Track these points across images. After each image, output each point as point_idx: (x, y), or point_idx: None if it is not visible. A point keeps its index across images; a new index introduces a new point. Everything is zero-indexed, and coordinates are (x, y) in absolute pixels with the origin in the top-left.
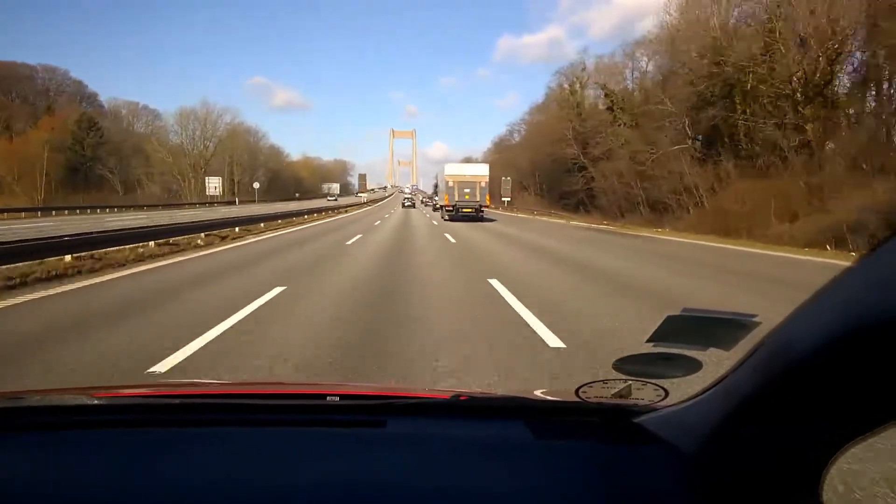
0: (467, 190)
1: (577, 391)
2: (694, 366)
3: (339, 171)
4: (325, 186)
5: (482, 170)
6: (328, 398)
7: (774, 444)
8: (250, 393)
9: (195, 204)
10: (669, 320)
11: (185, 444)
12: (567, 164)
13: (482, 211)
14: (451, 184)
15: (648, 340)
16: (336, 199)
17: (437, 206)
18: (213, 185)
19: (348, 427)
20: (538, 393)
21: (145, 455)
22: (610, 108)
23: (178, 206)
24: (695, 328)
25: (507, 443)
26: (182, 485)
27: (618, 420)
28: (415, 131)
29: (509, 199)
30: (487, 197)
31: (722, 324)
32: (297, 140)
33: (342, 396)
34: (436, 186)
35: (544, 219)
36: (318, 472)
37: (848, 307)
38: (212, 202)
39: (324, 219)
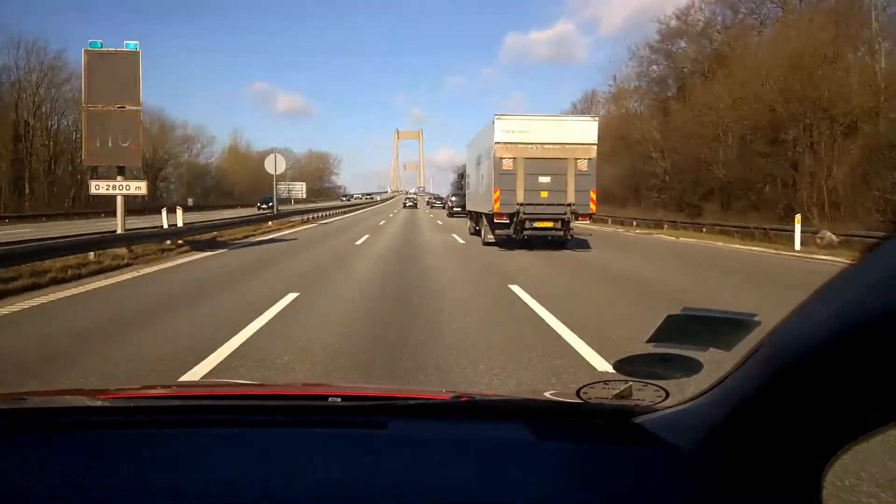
0: (545, 179)
1: (577, 392)
2: (694, 366)
3: (317, 169)
4: (286, 188)
5: (583, 132)
6: (329, 399)
7: (775, 444)
8: (251, 394)
9: None
10: (670, 320)
11: (186, 445)
12: None
13: (571, 227)
14: (506, 164)
15: (649, 340)
16: None
17: (454, 208)
18: None
19: (349, 428)
20: (539, 394)
21: (146, 457)
22: None
23: None
24: (695, 328)
25: (507, 444)
26: (183, 486)
27: (618, 421)
28: (421, 131)
29: None
30: (593, 195)
31: (722, 323)
32: (300, 146)
33: (343, 397)
34: (461, 177)
35: None
36: (319, 473)
37: (848, 307)
38: None
39: None
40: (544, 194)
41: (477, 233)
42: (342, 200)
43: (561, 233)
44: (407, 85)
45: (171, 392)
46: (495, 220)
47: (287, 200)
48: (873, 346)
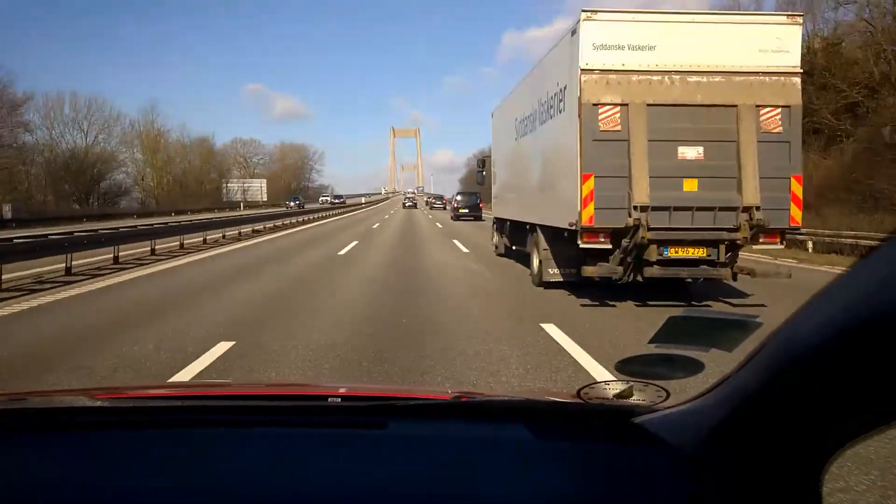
0: (693, 151)
1: (578, 392)
2: (696, 367)
3: (293, 165)
4: (238, 188)
5: (772, 46)
6: (329, 399)
7: (775, 444)
8: (252, 394)
9: None
10: (671, 321)
11: (186, 445)
12: None
13: (738, 256)
14: (608, 118)
15: (651, 341)
16: None
17: (460, 209)
18: None
19: (350, 428)
20: (539, 394)
21: (147, 456)
22: None
23: None
24: (696, 329)
25: (508, 444)
26: (183, 486)
27: (619, 421)
28: (418, 130)
29: None
30: (797, 187)
31: (724, 324)
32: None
33: (343, 397)
34: (481, 165)
35: None
36: (319, 473)
37: (850, 308)
38: None
39: None
40: (691, 186)
41: (510, 253)
42: (289, 206)
43: (727, 270)
44: (405, 86)
45: (171, 392)
46: (584, 242)
47: (237, 204)
48: (874, 347)
